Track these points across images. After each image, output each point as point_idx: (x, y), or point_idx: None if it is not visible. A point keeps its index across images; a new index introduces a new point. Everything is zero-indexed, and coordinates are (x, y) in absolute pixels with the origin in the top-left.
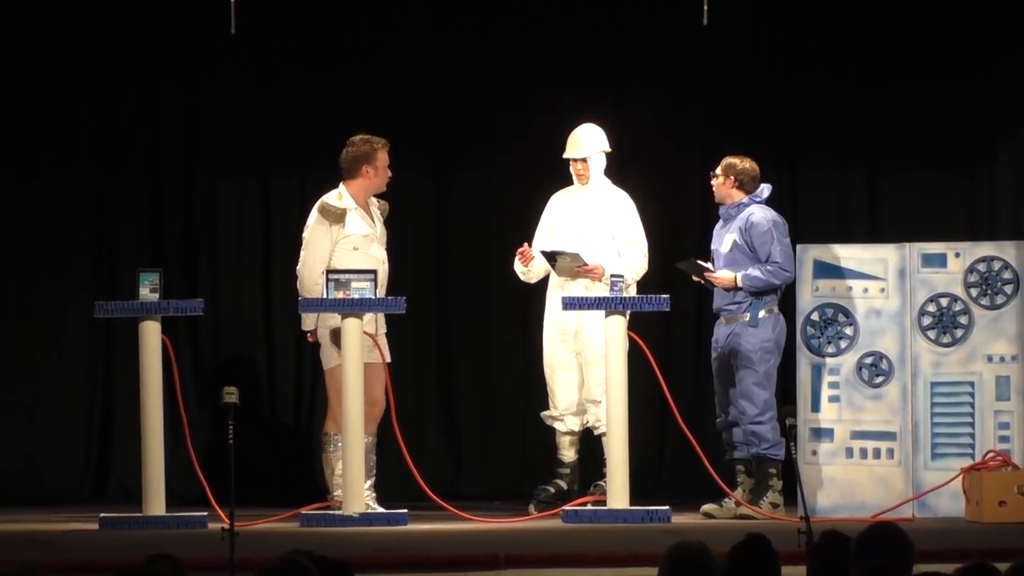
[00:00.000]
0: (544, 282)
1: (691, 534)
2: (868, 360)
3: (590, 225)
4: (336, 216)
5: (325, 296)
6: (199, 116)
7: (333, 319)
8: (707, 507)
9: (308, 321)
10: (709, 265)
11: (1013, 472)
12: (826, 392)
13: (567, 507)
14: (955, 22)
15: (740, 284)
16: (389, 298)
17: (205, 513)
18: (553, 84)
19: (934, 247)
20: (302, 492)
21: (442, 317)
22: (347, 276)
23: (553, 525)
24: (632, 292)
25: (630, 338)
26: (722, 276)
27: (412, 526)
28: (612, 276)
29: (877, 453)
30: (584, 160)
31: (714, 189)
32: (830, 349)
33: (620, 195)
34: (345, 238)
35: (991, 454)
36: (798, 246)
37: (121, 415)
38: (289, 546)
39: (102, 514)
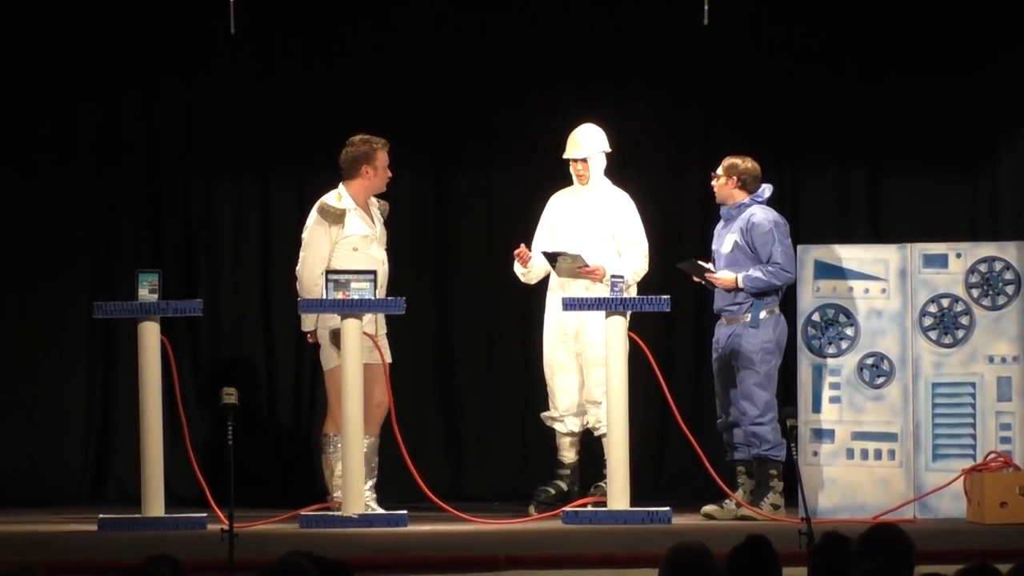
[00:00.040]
0: (544, 282)
1: (692, 535)
2: (869, 361)
3: (590, 225)
4: (335, 217)
5: (324, 297)
6: (198, 116)
7: (333, 320)
8: (708, 508)
9: (308, 322)
10: (710, 266)
11: (1014, 473)
12: (827, 393)
13: (567, 508)
14: (955, 22)
15: (741, 285)
16: (388, 299)
17: (204, 514)
18: (553, 84)
19: (935, 247)
20: (302, 493)
21: (442, 317)
22: (346, 277)
23: (553, 526)
24: (632, 293)
25: (630, 339)
26: (723, 277)
27: (412, 527)
28: (612, 277)
29: (878, 454)
30: (584, 160)
31: (715, 190)
32: (831, 350)
33: (620, 195)
34: (344, 239)
35: (992, 455)
36: (799, 247)
37: (120, 416)
38: (288, 547)
39: (101, 515)
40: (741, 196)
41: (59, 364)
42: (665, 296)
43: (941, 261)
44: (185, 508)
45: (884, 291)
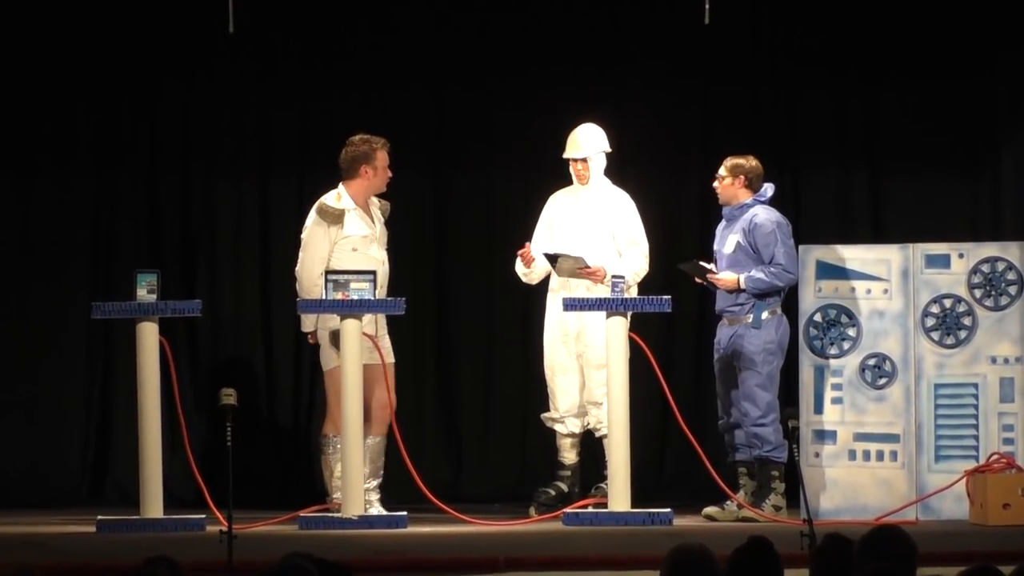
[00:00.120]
0: (544, 283)
1: (693, 537)
2: (871, 362)
3: (590, 225)
4: (334, 217)
5: (324, 297)
6: (198, 116)
7: (332, 320)
8: (709, 509)
9: (308, 323)
10: (712, 266)
11: (1017, 474)
12: (829, 394)
13: (568, 509)
14: (957, 22)
15: (743, 286)
16: (388, 299)
17: (203, 516)
18: (553, 84)
19: (937, 248)
20: (301, 494)
21: (442, 317)
22: (346, 277)
23: (554, 528)
24: (633, 293)
25: (631, 339)
26: (725, 278)
27: (411, 528)
28: (613, 277)
29: (880, 455)
30: (584, 160)
31: (719, 191)
32: (833, 350)
33: (620, 195)
34: (344, 239)
35: (995, 456)
36: (800, 247)
37: (119, 417)
38: (288, 549)
39: (99, 516)
40: (746, 196)
41: (58, 364)
42: (666, 296)
43: (943, 261)
44: (184, 509)
45: (886, 291)
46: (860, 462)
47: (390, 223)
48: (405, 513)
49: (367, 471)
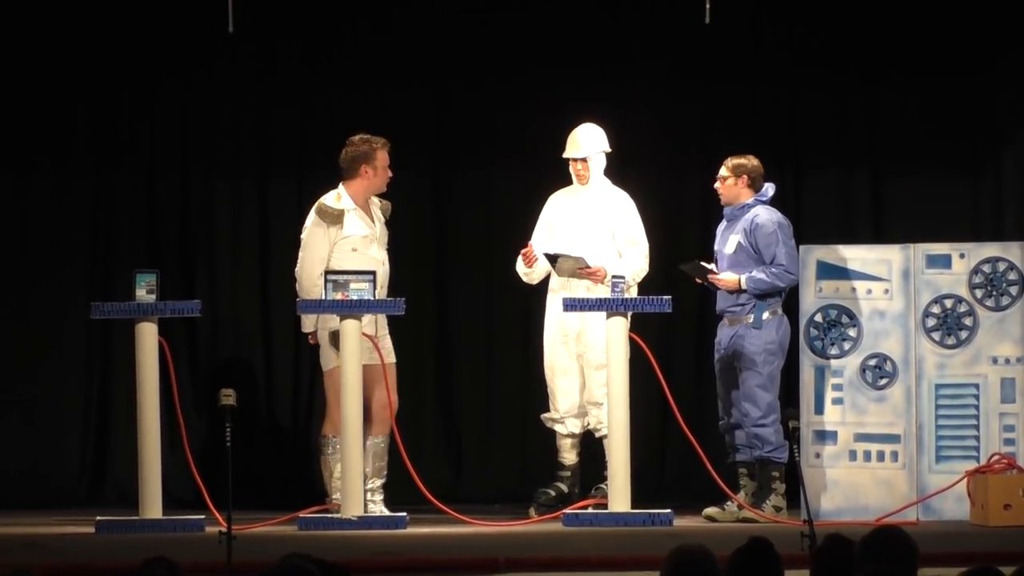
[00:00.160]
0: (544, 283)
1: (693, 537)
2: (872, 362)
3: (590, 225)
4: (333, 217)
5: (323, 297)
6: (197, 116)
7: (332, 321)
8: (709, 510)
9: (308, 323)
10: (713, 267)
11: (1018, 475)
12: (830, 394)
13: (568, 510)
14: (958, 22)
15: (744, 287)
16: (387, 299)
17: (202, 516)
18: (553, 84)
19: (938, 248)
20: (300, 495)
21: (442, 317)
22: (345, 277)
23: (554, 528)
24: (633, 293)
25: (632, 339)
26: (726, 279)
27: (411, 529)
28: (613, 277)
29: (881, 456)
30: (584, 160)
31: (721, 191)
32: (834, 351)
33: (620, 195)
34: (344, 239)
35: (996, 457)
36: (801, 247)
37: (118, 417)
38: (287, 550)
39: (98, 517)
40: (748, 196)
41: (57, 364)
42: (666, 296)
43: (944, 261)
44: (183, 510)
45: (887, 292)
46: (861, 463)
47: (390, 223)
48: (405, 514)
49: (370, 471)
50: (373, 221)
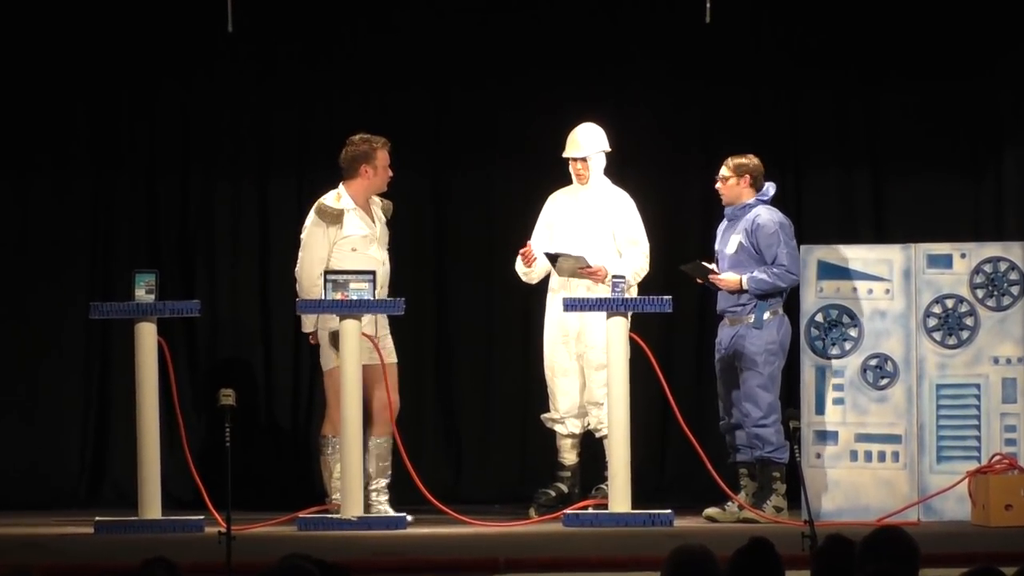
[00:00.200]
0: (544, 282)
1: (694, 538)
2: (873, 362)
3: (590, 225)
4: (333, 217)
5: (323, 297)
6: (197, 116)
7: (332, 321)
8: (710, 511)
9: (308, 323)
10: (713, 267)
11: (1019, 475)
12: (830, 394)
13: (568, 510)
14: (959, 22)
15: (745, 287)
16: (387, 299)
17: (202, 517)
18: (553, 84)
19: (940, 248)
20: (300, 495)
21: (442, 317)
22: (345, 277)
23: (554, 529)
24: (634, 293)
25: (632, 339)
26: (727, 279)
27: (411, 530)
28: (614, 277)
29: (882, 456)
30: (584, 159)
31: (723, 191)
32: (834, 351)
33: (620, 195)
34: (343, 239)
35: (997, 457)
36: (802, 247)
37: (117, 417)
38: (287, 550)
39: (97, 518)
40: (749, 196)
41: (57, 364)
42: (667, 296)
43: (945, 261)
44: (182, 510)
45: (888, 292)
46: (862, 463)
47: (390, 223)
48: (405, 515)
49: (374, 471)
50: (373, 221)
